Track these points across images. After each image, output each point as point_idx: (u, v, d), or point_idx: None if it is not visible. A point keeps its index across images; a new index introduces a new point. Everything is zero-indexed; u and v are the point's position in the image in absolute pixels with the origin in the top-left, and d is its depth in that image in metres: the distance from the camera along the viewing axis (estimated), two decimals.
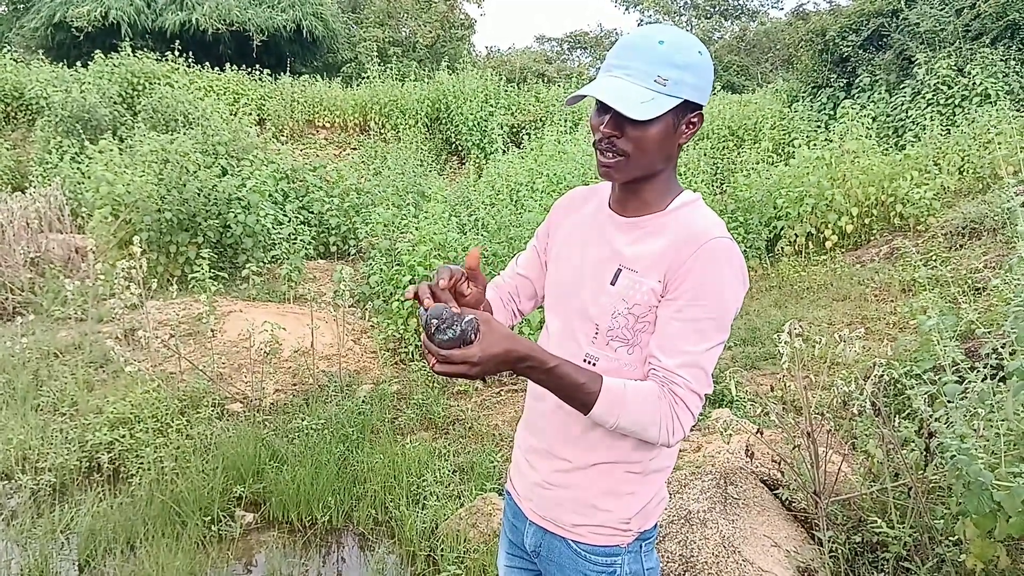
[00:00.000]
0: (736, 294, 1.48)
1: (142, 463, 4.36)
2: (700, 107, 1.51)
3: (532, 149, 11.47)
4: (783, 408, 4.28)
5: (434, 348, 1.35)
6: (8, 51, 16.76)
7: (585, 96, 1.49)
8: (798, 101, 14.31)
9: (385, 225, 7.64)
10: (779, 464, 3.68)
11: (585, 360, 1.58)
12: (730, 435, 3.81)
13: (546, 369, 1.41)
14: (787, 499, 3.55)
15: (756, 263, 8.56)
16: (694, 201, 1.58)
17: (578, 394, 1.44)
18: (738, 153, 12.83)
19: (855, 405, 3.50)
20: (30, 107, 15.03)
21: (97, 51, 16.22)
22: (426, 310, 1.37)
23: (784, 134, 13.08)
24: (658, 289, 1.49)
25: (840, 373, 4.63)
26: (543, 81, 19.79)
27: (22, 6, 21.44)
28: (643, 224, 1.57)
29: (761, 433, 3.84)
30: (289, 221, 8.53)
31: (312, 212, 9.60)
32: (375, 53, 20.45)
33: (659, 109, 1.43)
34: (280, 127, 16.27)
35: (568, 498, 1.64)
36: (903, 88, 12.18)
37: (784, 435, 3.79)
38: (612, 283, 1.55)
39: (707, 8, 31.16)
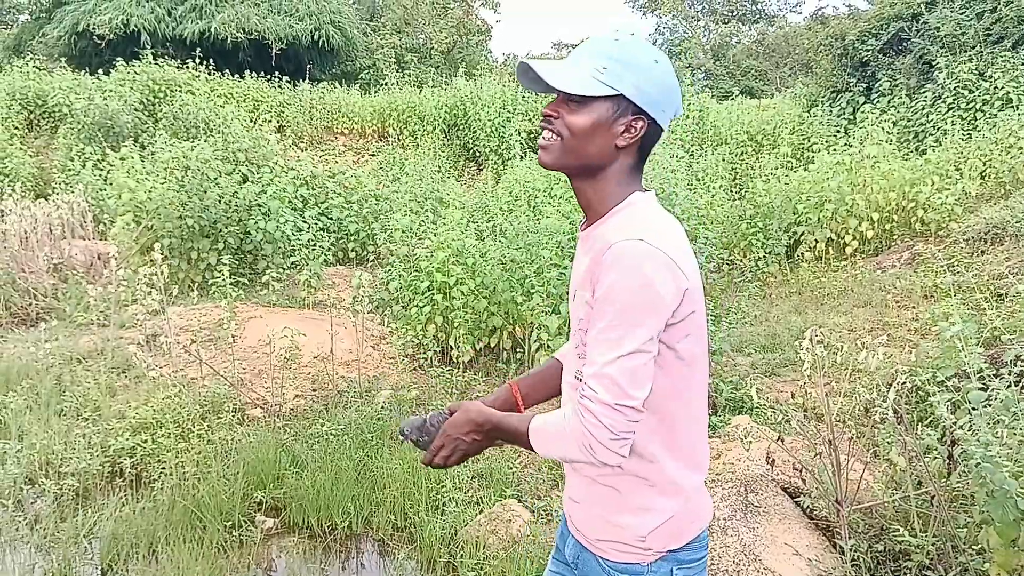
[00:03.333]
0: (637, 299, 1.40)
1: (164, 468, 4.40)
2: (645, 113, 1.50)
3: None
4: (804, 415, 4.25)
5: (422, 453, 1.67)
6: (31, 59, 17.00)
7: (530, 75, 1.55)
8: (817, 106, 14.22)
9: (403, 231, 7.67)
10: (800, 472, 3.65)
11: (576, 376, 1.60)
12: (750, 442, 3.79)
13: (494, 426, 1.63)
14: (808, 507, 3.53)
15: (776, 269, 8.51)
16: (632, 204, 1.54)
17: (520, 440, 1.58)
18: (757, 158, 12.78)
19: (877, 412, 3.48)
20: (53, 114, 15.23)
21: (119, 59, 16.43)
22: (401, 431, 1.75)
23: (803, 139, 13.01)
24: (592, 302, 1.48)
25: (862, 380, 4.60)
26: None
27: (44, 15, 21.72)
28: (587, 236, 1.57)
29: (782, 440, 3.81)
30: (308, 228, 8.58)
31: (331, 218, 9.65)
32: (392, 60, 20.59)
33: (586, 89, 1.48)
34: (299, 134, 16.39)
35: (590, 513, 1.63)
36: (923, 92, 12.08)
37: (805, 443, 3.77)
38: (573, 300, 1.62)
39: (724, 13, 31.11)
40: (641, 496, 1.57)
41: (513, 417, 1.62)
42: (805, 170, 9.67)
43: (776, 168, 10.74)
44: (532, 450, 1.57)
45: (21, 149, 13.28)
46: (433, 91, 17.48)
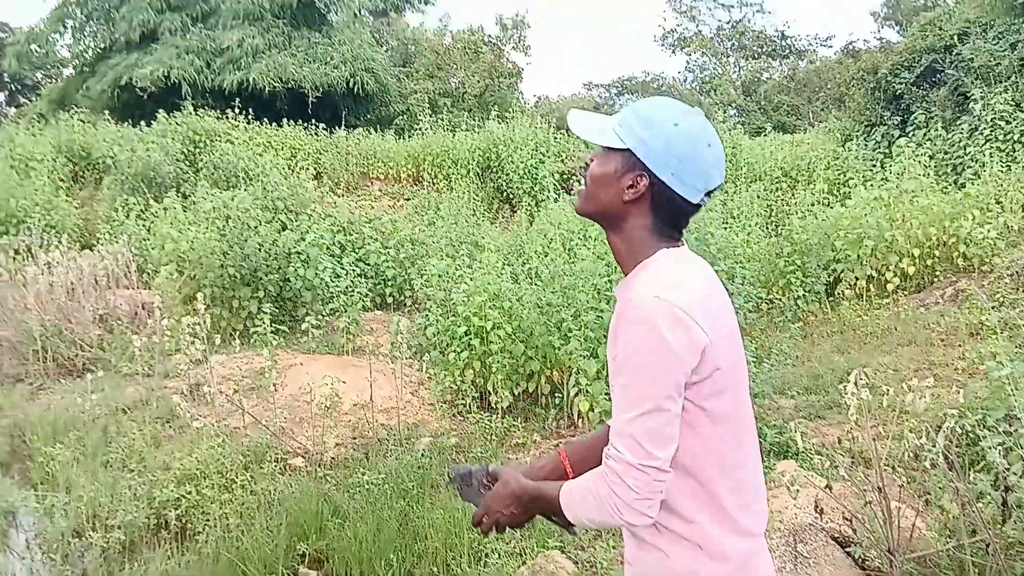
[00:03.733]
0: (652, 356, 1.41)
1: (208, 520, 4.43)
2: (650, 172, 1.51)
3: None
4: (852, 461, 4.17)
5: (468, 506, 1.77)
6: (76, 113, 17.54)
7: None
8: (852, 140, 14.13)
9: (440, 276, 7.72)
10: (850, 521, 3.58)
11: None
12: (797, 490, 3.72)
13: (532, 497, 1.67)
14: (860, 557, 3.45)
15: (816, 307, 8.41)
16: (655, 261, 1.55)
17: (554, 509, 1.61)
18: (792, 194, 12.69)
19: (927, 458, 3.41)
20: (97, 166, 15.66)
21: (160, 110, 16.88)
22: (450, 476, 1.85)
23: (839, 174, 12.91)
24: (614, 359, 1.50)
25: (909, 422, 4.51)
26: None
27: (88, 69, 22.45)
28: (617, 293, 1.59)
29: (830, 488, 3.74)
30: (346, 274, 8.68)
31: (368, 264, 9.75)
32: (426, 105, 20.89)
33: (592, 136, 1.56)
34: (336, 180, 16.65)
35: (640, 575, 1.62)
36: (960, 125, 11.96)
37: (854, 489, 3.69)
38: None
39: (754, 49, 31.19)
40: (688, 560, 1.53)
41: (550, 485, 1.66)
42: (842, 206, 9.57)
43: (812, 204, 10.66)
44: (562, 519, 1.60)
45: (67, 201, 13.64)
46: (466, 134, 17.68)
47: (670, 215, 1.56)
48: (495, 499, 1.72)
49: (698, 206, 1.56)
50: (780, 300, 8.48)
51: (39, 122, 19.55)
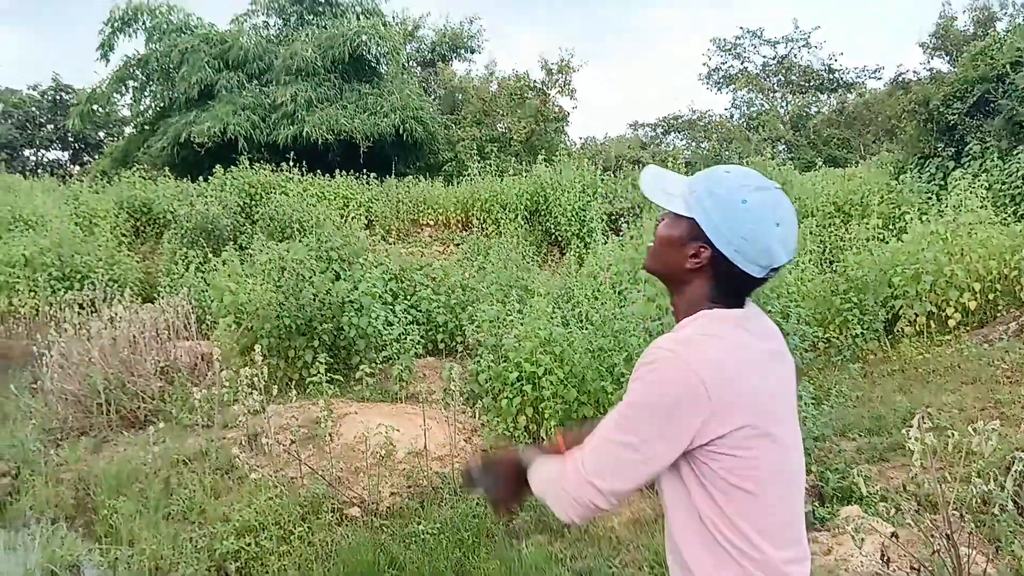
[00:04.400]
0: (649, 400, 1.47)
1: (267, 571, 4.47)
2: (713, 245, 1.51)
3: (632, 237, 11.51)
4: (918, 506, 4.05)
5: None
6: (137, 170, 18.21)
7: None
8: (905, 173, 13.91)
9: (490, 322, 7.76)
10: (918, 570, 3.47)
11: None
12: (862, 538, 3.62)
13: (512, 461, 1.82)
14: None
15: (875, 345, 8.22)
16: (695, 319, 1.57)
17: (523, 472, 1.77)
18: (846, 229, 12.49)
19: (996, 502, 3.30)
20: (158, 221, 16.19)
21: (217, 165, 17.43)
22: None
23: (893, 207, 12.68)
24: None
25: (977, 465, 4.37)
26: (639, 167, 19.99)
27: (149, 128, 23.33)
28: None
29: (896, 536, 3.64)
30: (399, 321, 8.77)
31: (420, 310, 9.85)
32: (473, 151, 21.19)
33: (660, 200, 1.58)
34: (387, 228, 16.94)
35: None
36: (1016, 154, 11.70)
37: (921, 536, 3.58)
38: None
39: (801, 83, 31.00)
40: None
41: (529, 453, 1.81)
42: (898, 240, 9.40)
43: (867, 239, 10.48)
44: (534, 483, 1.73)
45: (129, 255, 14.11)
46: (514, 178, 17.86)
47: (731, 286, 1.57)
48: (487, 476, 1.87)
49: (762, 280, 1.56)
50: (837, 338, 8.32)
51: (102, 179, 20.37)
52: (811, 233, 11.66)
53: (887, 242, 9.73)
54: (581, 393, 6.14)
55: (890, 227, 11.93)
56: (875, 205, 12.67)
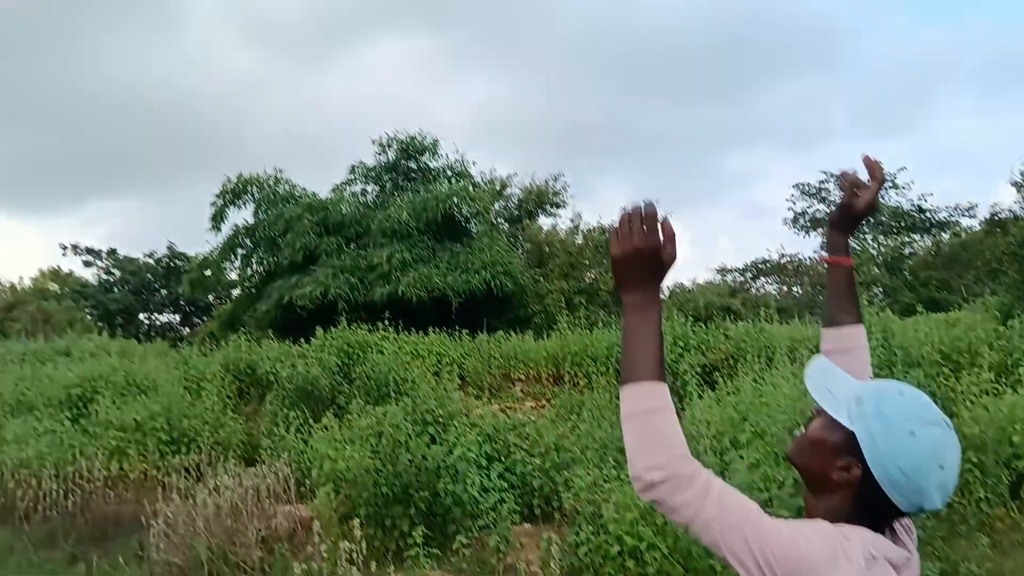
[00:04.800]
0: (787, 533, 1.38)
1: None
2: (865, 466, 1.45)
3: (728, 393, 11.27)
4: None
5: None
6: (243, 332, 19.08)
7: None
8: (1013, 317, 13.34)
9: (586, 488, 7.61)
10: None
11: None
12: None
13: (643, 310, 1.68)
14: None
15: (1002, 512, 7.67)
16: (840, 527, 1.48)
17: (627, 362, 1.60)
18: (956, 379, 11.94)
19: None
20: (261, 382, 16.74)
21: (318, 326, 18.11)
22: None
23: (1005, 355, 12.09)
24: None
25: None
26: (730, 315, 19.83)
27: (254, 291, 24.60)
28: None
29: None
30: (495, 488, 8.69)
31: (515, 473, 9.75)
32: (562, 304, 21.49)
33: (829, 406, 1.51)
34: (480, 384, 17.07)
35: None
36: None
37: None
38: None
39: (892, 224, 30.65)
40: None
41: (649, 336, 1.65)
42: (1015, 392, 8.92)
43: (980, 393, 9.97)
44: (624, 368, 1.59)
45: (233, 418, 14.56)
46: (603, 331, 17.93)
47: (872, 512, 1.49)
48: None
49: (906, 514, 1.50)
50: (959, 504, 7.80)
51: (210, 342, 21.41)
52: (918, 385, 11.17)
53: (1003, 395, 9.24)
54: (688, 571, 5.89)
55: (1004, 377, 11.36)
56: (985, 353, 12.12)
